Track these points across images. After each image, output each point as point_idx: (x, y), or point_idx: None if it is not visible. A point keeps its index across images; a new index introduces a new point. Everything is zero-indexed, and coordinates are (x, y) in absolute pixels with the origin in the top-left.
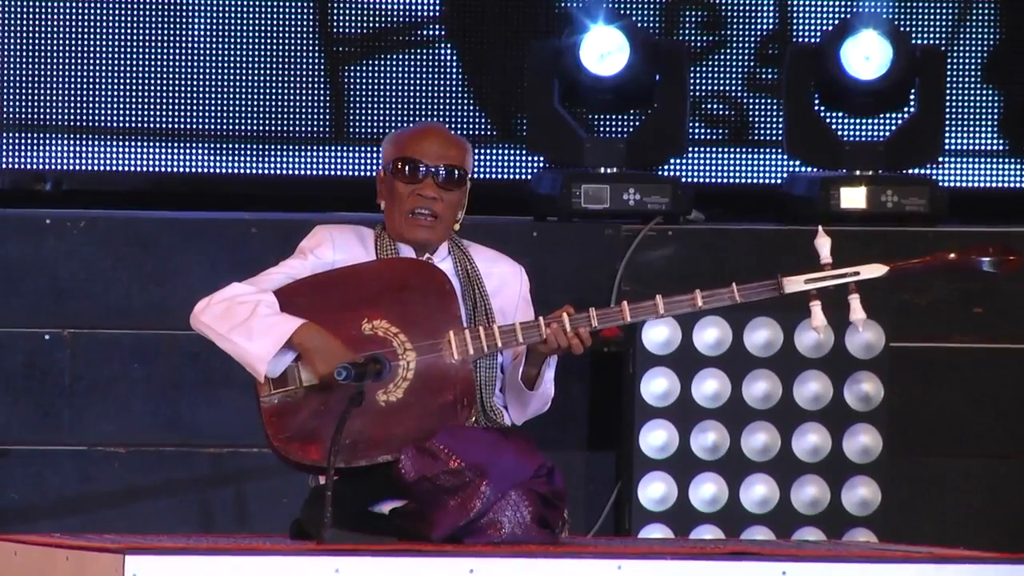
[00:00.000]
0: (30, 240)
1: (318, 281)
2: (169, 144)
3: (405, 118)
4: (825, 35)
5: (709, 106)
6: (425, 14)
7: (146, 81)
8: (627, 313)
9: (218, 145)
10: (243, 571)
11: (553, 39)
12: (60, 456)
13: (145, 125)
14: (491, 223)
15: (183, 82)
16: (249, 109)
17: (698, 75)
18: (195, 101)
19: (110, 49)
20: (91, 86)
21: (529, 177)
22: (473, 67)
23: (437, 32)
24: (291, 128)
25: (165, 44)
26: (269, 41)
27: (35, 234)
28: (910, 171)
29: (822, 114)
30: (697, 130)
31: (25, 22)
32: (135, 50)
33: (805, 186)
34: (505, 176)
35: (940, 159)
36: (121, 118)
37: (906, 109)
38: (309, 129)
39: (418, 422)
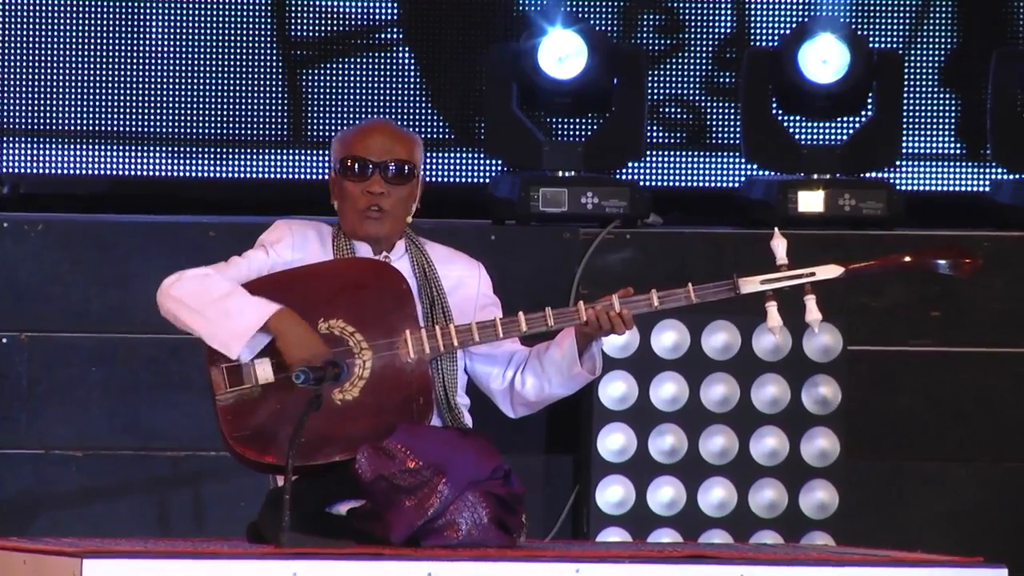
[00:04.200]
0: None
1: (275, 280)
2: (127, 147)
3: (363, 121)
4: (783, 39)
5: (667, 110)
6: (382, 17)
7: (104, 84)
8: (582, 313)
9: (176, 148)
10: (201, 575)
11: (511, 43)
12: (17, 459)
13: (103, 128)
14: (449, 226)
15: (141, 85)
16: (207, 112)
17: (656, 79)
18: (153, 104)
19: (67, 52)
20: (48, 89)
21: (487, 181)
22: (431, 70)
23: (395, 35)
24: (249, 131)
25: (123, 47)
26: (227, 44)
27: None
28: (868, 175)
29: (780, 118)
30: (655, 134)
31: None
32: (93, 53)
33: (763, 190)
34: (463, 180)
35: (897, 163)
36: (79, 121)
37: (863, 113)
38: (267, 132)
39: (374, 421)
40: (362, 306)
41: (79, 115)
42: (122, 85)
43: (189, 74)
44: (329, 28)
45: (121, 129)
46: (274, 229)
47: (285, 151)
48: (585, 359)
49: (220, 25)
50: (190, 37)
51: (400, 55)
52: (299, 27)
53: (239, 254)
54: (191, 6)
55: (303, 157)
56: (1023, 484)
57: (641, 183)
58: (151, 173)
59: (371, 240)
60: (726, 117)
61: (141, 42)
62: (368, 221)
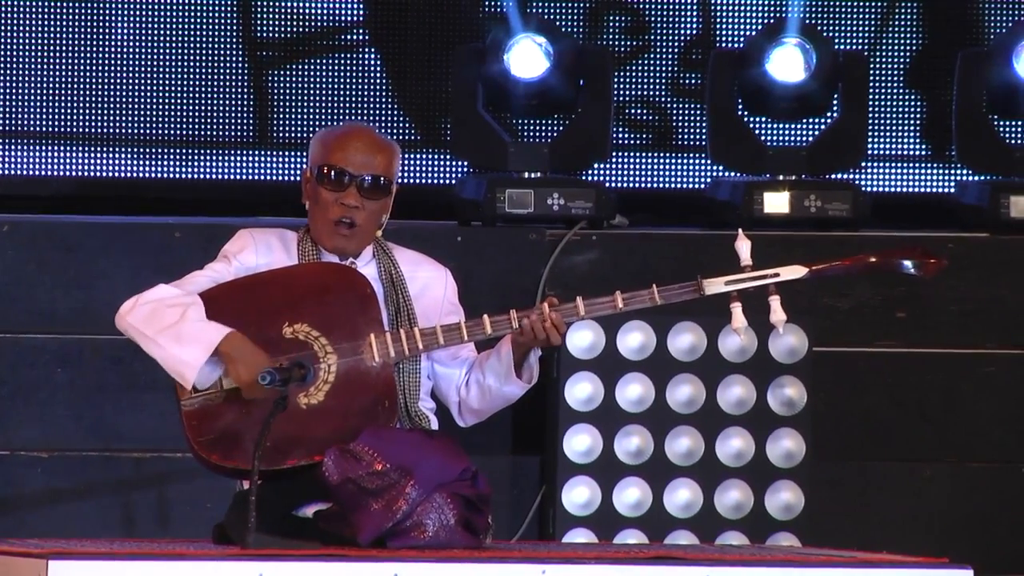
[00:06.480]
0: None
1: (241, 285)
2: (92, 149)
3: (329, 122)
4: (748, 40)
5: (633, 111)
6: (348, 19)
7: (69, 85)
8: (546, 312)
9: (142, 149)
10: None
11: (477, 44)
12: None
13: (68, 130)
14: (416, 227)
15: (106, 87)
16: (173, 113)
17: (622, 80)
18: (119, 106)
19: (31, 53)
20: (12, 90)
21: (453, 182)
22: (397, 72)
23: (361, 36)
24: (215, 132)
25: (87, 48)
26: (193, 45)
27: None
28: (833, 176)
29: (745, 119)
30: (621, 135)
31: None
32: (57, 54)
33: (729, 191)
34: (429, 181)
35: (863, 164)
36: (43, 122)
37: (829, 114)
38: (233, 133)
39: (340, 424)
40: (327, 310)
41: (44, 116)
42: (87, 86)
43: (154, 75)
44: (295, 29)
45: (86, 130)
46: (237, 239)
47: (251, 152)
48: (524, 369)
49: (185, 26)
50: (155, 38)
51: (366, 56)
52: (265, 28)
53: (206, 256)
54: (156, 7)
55: (269, 158)
56: (989, 484)
57: (607, 184)
58: (116, 174)
59: (336, 252)
60: (692, 118)
61: (106, 43)
62: (337, 236)
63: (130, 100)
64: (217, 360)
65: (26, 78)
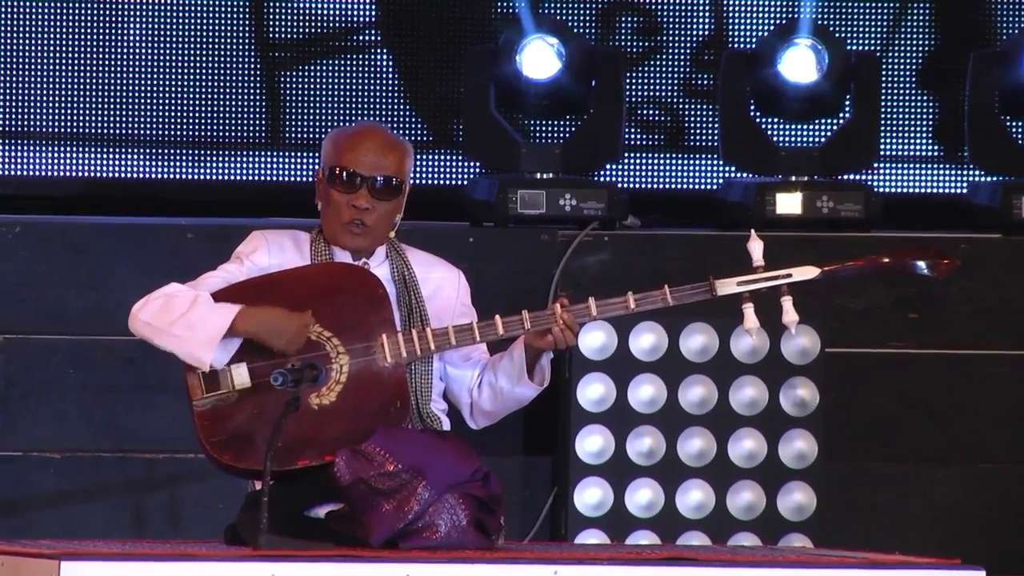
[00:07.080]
0: None
1: (253, 285)
2: (104, 149)
3: (341, 123)
4: (760, 41)
5: (645, 112)
6: (361, 19)
7: (81, 86)
8: (559, 313)
9: (154, 150)
10: None
11: (489, 44)
12: None
13: (80, 130)
14: (428, 228)
15: (119, 87)
16: (185, 114)
17: (634, 81)
18: (131, 106)
19: (44, 53)
20: (25, 91)
21: (465, 183)
22: (409, 72)
23: (373, 37)
24: (227, 133)
25: (100, 49)
26: (205, 46)
27: None
28: (845, 177)
29: (757, 120)
30: (633, 136)
31: None
32: (70, 55)
33: (741, 192)
34: (441, 182)
35: (875, 165)
36: (56, 123)
37: (841, 115)
38: (245, 134)
39: (352, 425)
40: (339, 311)
41: (56, 117)
42: (99, 87)
43: (167, 76)
44: (307, 30)
45: (98, 131)
46: (249, 239)
47: (263, 153)
48: (536, 371)
49: (197, 27)
50: (168, 38)
51: (378, 57)
52: (277, 29)
53: (218, 258)
54: (168, 8)
55: (281, 159)
56: (1000, 485)
57: (619, 185)
58: (128, 175)
59: (349, 251)
60: (704, 119)
61: (118, 44)
62: (350, 234)
63: (142, 101)
64: (232, 340)
65: (37, 79)
